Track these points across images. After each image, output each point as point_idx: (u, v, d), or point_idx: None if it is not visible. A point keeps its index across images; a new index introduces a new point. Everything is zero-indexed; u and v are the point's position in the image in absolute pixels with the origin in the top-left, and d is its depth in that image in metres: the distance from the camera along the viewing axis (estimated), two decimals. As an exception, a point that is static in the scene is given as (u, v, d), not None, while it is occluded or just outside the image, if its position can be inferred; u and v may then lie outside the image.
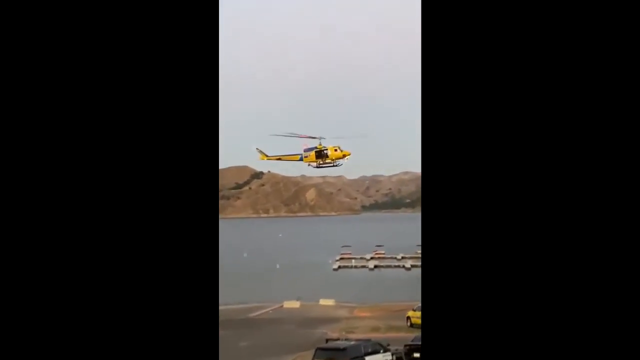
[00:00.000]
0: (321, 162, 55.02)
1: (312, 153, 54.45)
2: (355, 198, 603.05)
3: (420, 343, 34.05)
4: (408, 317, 48.64)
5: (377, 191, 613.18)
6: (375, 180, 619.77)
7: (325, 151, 54.37)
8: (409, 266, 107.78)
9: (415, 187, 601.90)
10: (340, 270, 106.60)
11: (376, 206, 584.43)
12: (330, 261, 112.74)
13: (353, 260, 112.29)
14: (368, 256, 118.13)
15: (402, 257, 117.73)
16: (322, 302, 64.90)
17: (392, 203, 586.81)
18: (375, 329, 47.37)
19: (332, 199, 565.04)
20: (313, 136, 54.43)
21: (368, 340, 35.45)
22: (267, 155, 56.53)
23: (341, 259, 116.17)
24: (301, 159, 55.61)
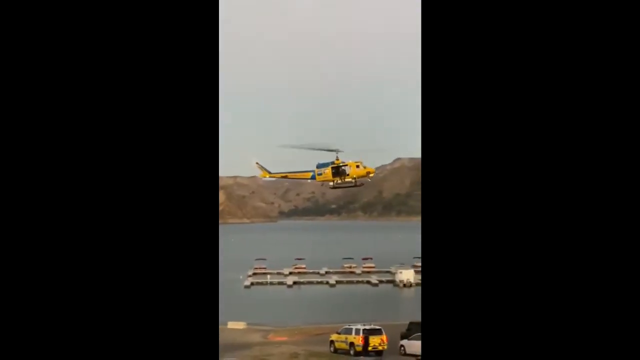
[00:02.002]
0: (339, 181, 52.94)
1: (328, 170, 52.44)
2: (272, 203, 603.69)
3: None
4: (332, 342, 49.19)
5: (298, 195, 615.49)
6: (296, 182, 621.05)
7: (343, 167, 52.36)
8: (334, 282, 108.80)
9: (342, 191, 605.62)
10: (252, 287, 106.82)
11: (296, 212, 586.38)
12: (240, 277, 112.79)
13: (268, 276, 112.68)
14: (286, 271, 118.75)
15: (326, 272, 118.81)
16: (231, 325, 64.98)
17: (316, 209, 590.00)
18: (294, 356, 47.64)
19: (245, 204, 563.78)
20: (330, 148, 51.68)
21: None
22: (269, 172, 54.42)
23: (254, 274, 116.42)
24: (313, 177, 53.63)
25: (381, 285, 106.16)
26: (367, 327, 47.77)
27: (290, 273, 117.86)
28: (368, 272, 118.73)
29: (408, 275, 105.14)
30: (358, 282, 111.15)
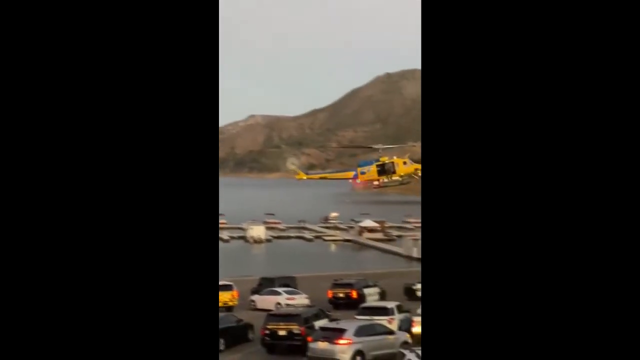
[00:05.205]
0: (385, 180, 49.79)
1: (373, 168, 49.55)
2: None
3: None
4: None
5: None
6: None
7: (389, 165, 49.43)
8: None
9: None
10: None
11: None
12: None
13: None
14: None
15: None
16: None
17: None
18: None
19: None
20: (366, 145, 48.35)
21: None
22: (306, 174, 51.77)
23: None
24: (355, 177, 50.47)
25: (232, 241, 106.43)
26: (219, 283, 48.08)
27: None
28: (220, 228, 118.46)
29: (259, 231, 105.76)
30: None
